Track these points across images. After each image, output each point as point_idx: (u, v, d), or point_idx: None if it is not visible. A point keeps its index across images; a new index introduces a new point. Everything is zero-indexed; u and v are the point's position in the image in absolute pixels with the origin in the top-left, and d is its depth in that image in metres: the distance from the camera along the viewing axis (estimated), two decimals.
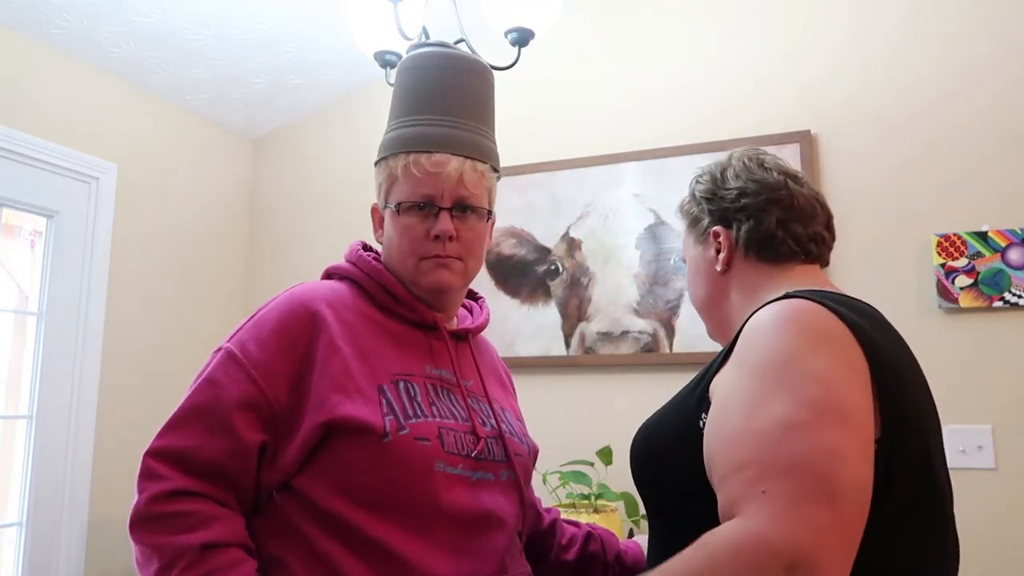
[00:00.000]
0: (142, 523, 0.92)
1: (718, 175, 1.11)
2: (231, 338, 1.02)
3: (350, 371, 0.99)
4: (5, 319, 2.34)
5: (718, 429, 0.82)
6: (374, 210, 1.16)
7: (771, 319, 0.86)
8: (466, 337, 1.17)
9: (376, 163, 1.14)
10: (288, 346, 0.99)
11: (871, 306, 0.94)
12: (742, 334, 0.89)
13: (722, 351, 0.94)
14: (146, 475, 0.94)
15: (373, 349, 1.04)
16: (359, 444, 0.96)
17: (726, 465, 0.78)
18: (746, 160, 1.10)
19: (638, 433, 1.02)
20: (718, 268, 1.08)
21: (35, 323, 2.32)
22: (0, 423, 2.31)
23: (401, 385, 1.02)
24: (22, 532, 2.23)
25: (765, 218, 1.04)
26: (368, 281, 1.10)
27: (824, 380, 0.77)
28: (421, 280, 1.09)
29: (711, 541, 0.73)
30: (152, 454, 0.95)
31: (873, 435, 0.78)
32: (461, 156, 1.08)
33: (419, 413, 1.01)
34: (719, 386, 0.88)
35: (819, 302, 0.85)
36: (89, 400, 2.41)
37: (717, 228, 1.09)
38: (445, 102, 1.11)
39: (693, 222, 1.14)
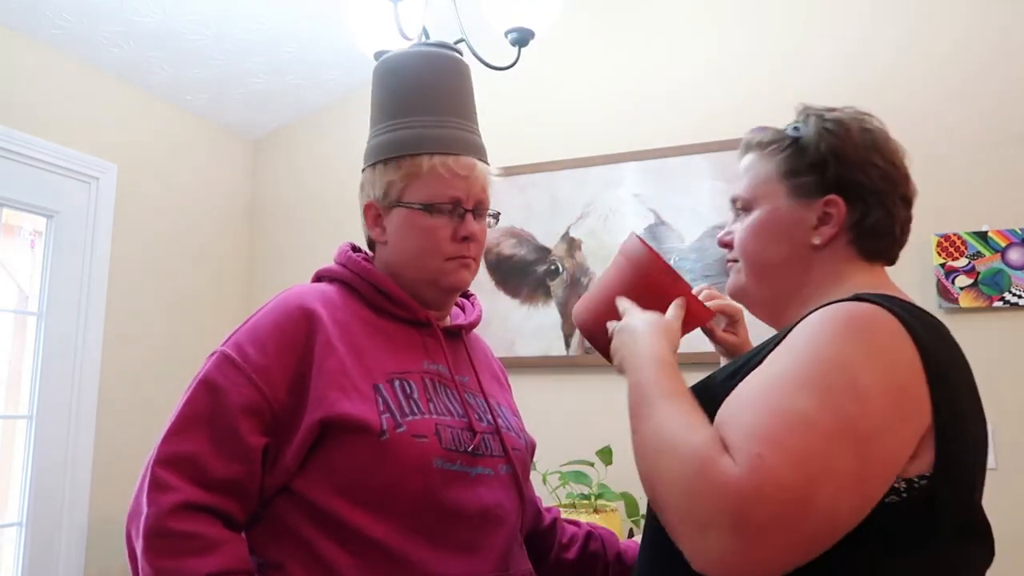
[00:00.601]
0: (152, 539, 0.90)
1: (856, 135, 0.92)
2: (226, 342, 1.01)
3: (346, 370, 0.99)
4: (5, 319, 2.34)
5: (737, 392, 0.76)
6: (368, 207, 1.14)
7: (835, 319, 0.77)
8: (460, 334, 1.18)
9: (381, 161, 1.11)
10: (286, 348, 0.99)
11: (932, 315, 0.84)
12: (799, 326, 0.79)
13: (765, 349, 0.84)
14: (155, 486, 0.92)
15: (368, 349, 1.04)
16: (357, 443, 0.96)
17: (730, 415, 0.73)
18: (884, 133, 0.94)
19: None
20: (815, 241, 0.91)
21: (35, 323, 2.32)
22: (0, 423, 2.31)
23: (397, 384, 1.02)
24: (22, 532, 2.22)
25: (895, 212, 0.91)
26: (359, 282, 1.10)
27: (865, 400, 0.70)
28: (442, 280, 1.09)
29: (695, 441, 0.70)
30: (160, 463, 0.94)
31: (895, 470, 0.72)
32: (481, 160, 1.12)
33: (416, 410, 1.01)
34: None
35: (891, 310, 0.77)
36: (89, 400, 2.40)
37: (834, 197, 0.90)
38: (450, 103, 1.13)
39: (793, 172, 0.93)
